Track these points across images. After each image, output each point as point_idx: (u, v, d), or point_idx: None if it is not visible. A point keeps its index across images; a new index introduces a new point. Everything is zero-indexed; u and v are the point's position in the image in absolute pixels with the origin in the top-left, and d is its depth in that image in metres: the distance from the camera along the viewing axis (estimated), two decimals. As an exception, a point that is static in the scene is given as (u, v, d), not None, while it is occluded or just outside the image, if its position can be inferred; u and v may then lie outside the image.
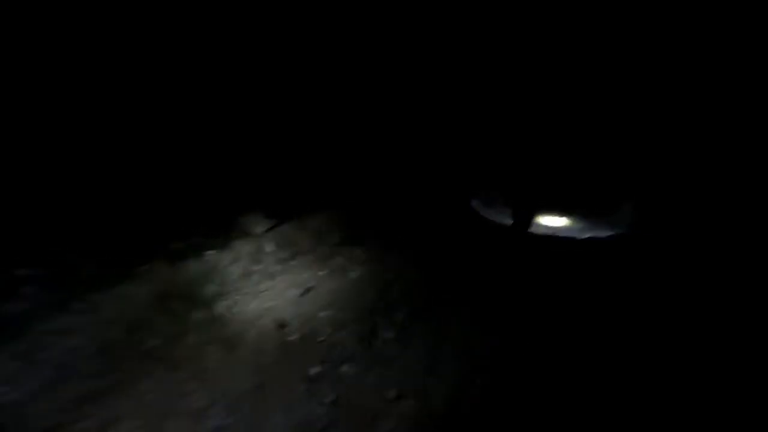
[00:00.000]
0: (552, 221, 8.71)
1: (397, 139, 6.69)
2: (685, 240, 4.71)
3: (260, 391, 2.95)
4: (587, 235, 7.51)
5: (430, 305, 3.81)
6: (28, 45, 4.60)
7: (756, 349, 3.06)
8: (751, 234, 4.62)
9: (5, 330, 3.19)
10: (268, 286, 4.24)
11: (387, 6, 6.13)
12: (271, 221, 5.00)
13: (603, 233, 7.60)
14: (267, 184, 5.41)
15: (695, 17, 5.37)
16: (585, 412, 2.61)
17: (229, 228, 4.81)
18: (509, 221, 6.70)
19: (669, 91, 6.17)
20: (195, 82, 5.64)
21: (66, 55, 4.83)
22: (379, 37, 6.36)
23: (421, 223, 5.80)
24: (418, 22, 6.30)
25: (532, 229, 6.48)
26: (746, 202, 4.91)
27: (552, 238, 6.80)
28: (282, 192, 5.43)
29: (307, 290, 4.18)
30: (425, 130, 6.94)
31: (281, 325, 3.60)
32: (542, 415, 2.61)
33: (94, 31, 4.95)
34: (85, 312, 3.40)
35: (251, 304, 3.92)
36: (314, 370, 3.10)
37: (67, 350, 3.14)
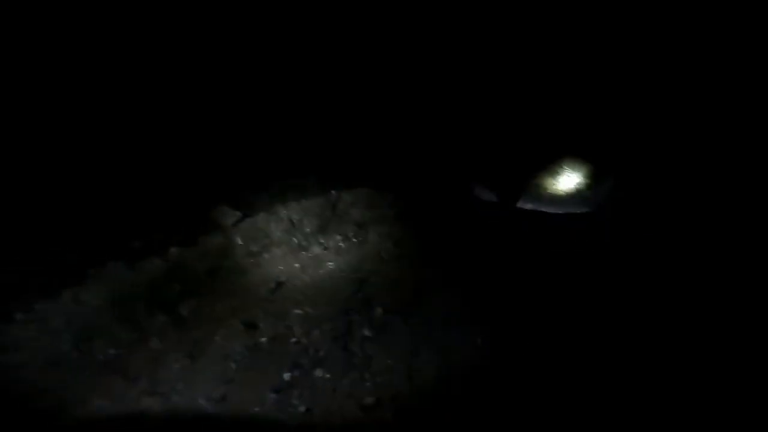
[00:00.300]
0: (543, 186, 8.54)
1: (375, 121, 6.34)
2: (659, 217, 4.53)
3: (226, 403, 2.68)
4: (568, 210, 7.37)
5: (411, 299, 3.56)
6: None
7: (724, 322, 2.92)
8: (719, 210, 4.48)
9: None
10: (238, 282, 3.93)
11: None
12: (240, 212, 4.65)
13: (582, 209, 7.46)
14: (235, 172, 5.03)
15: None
16: (572, 419, 2.43)
17: (194, 222, 4.45)
18: (495, 198, 6.47)
19: (651, 75, 5.95)
20: (151, 64, 5.16)
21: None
22: (363, 29, 5.96)
23: (401, 208, 5.53)
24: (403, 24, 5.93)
25: (518, 204, 6.23)
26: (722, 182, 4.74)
27: (535, 213, 6.61)
28: (252, 180, 5.06)
29: (279, 285, 3.89)
30: (401, 110, 6.60)
31: (250, 326, 3.32)
32: (527, 422, 2.41)
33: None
34: (30, 323, 3.06)
35: (218, 303, 3.62)
36: (285, 377, 2.84)
37: (10, 368, 2.82)
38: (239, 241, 4.36)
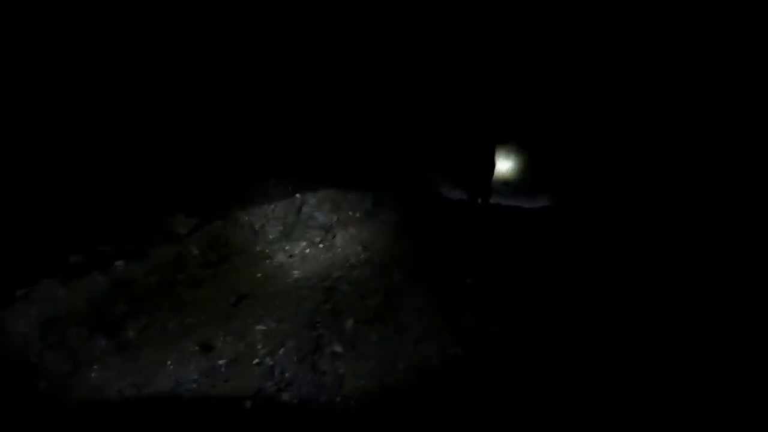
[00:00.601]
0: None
1: (336, 120, 6.00)
2: (659, 217, 4.42)
3: (177, 441, 2.28)
4: (532, 205, 7.32)
5: (383, 308, 3.24)
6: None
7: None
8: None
9: None
10: (193, 297, 3.50)
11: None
12: (196, 219, 4.19)
13: (542, 203, 7.44)
14: (190, 176, 4.55)
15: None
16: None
17: (144, 231, 3.97)
18: (464, 196, 6.28)
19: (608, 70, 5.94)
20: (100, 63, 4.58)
21: None
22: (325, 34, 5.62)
23: (368, 209, 5.22)
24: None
25: (483, 201, 6.05)
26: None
27: (501, 207, 6.46)
28: (208, 184, 4.60)
29: (240, 299, 3.48)
30: (362, 108, 6.30)
31: (207, 348, 2.90)
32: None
33: None
34: (-62, 358, 2.54)
35: (170, 323, 3.18)
36: (247, 405, 2.45)
37: None
38: (195, 251, 3.92)
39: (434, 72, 6.76)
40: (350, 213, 5.05)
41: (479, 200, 5.44)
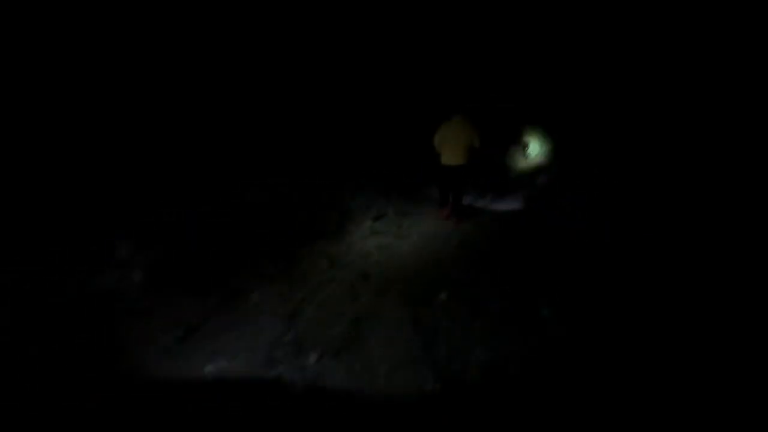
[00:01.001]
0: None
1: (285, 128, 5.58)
2: (659, 217, 4.30)
3: None
4: (505, 207, 7.09)
5: (349, 336, 2.86)
6: None
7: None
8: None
9: None
10: (134, 332, 2.97)
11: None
12: (139, 241, 3.67)
13: (514, 206, 7.24)
14: (132, 196, 4.01)
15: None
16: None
17: (84, 255, 3.42)
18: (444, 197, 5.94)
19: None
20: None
21: None
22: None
23: (333, 221, 4.82)
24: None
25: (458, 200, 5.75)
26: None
27: (472, 208, 6.19)
28: (152, 204, 4.07)
29: (190, 331, 3.00)
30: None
31: (145, 395, 2.43)
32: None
33: None
34: None
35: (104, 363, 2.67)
36: (190, 469, 2.02)
37: None
38: (138, 277, 3.40)
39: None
40: (316, 226, 4.64)
41: (451, 200, 5.12)
